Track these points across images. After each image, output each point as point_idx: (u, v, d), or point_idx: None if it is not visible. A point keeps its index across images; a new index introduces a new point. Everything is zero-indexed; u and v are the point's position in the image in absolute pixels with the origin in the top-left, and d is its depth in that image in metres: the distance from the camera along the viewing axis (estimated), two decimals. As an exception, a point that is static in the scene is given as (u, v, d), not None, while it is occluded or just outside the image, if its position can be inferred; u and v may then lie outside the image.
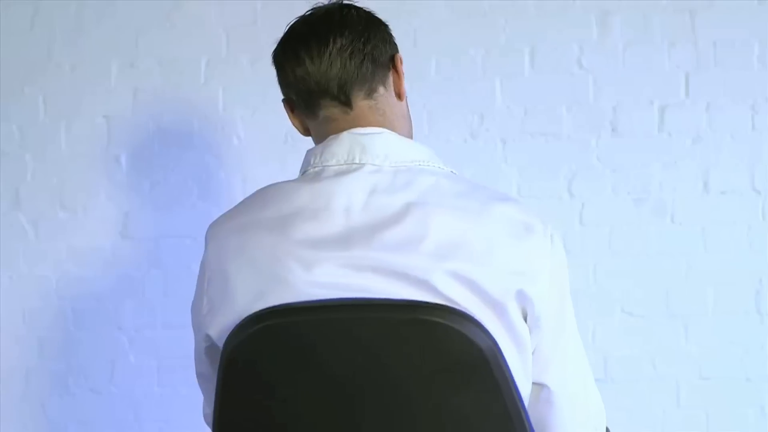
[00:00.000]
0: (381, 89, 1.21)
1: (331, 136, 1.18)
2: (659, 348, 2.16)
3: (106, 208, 2.23)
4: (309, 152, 1.19)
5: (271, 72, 1.24)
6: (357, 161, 1.14)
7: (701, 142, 2.15)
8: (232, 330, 1.07)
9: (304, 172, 1.18)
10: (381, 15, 1.26)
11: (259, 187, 1.21)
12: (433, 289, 1.05)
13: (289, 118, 1.26)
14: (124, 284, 2.22)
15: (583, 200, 2.17)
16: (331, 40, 1.17)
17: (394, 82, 1.23)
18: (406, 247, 1.06)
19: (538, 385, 1.15)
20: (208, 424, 1.28)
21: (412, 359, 1.03)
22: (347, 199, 1.10)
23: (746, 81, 2.14)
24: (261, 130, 2.19)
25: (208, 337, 1.14)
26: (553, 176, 2.16)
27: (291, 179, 1.19)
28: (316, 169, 1.16)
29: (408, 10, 2.13)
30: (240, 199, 1.21)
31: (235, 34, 2.21)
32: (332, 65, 1.17)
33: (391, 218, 1.08)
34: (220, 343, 1.10)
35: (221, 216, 1.19)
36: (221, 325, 1.10)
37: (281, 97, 1.26)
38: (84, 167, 2.23)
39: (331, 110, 1.19)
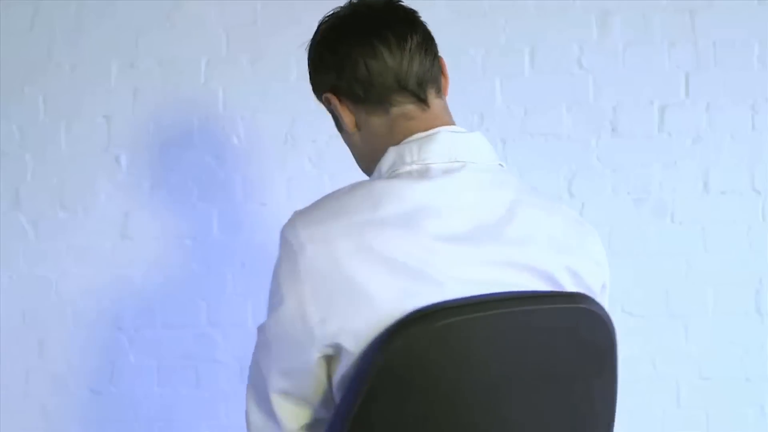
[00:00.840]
0: (441, 90, 1.22)
1: (420, 134, 1.14)
2: (659, 348, 2.16)
3: (106, 208, 2.23)
4: (400, 149, 1.14)
5: (271, 72, 1.22)
6: (460, 160, 1.12)
7: (701, 142, 2.15)
8: (388, 332, 1.01)
9: (395, 170, 1.13)
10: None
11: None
12: (557, 283, 1.08)
13: (337, 109, 1.20)
14: (124, 284, 2.22)
15: (583, 200, 2.17)
16: (409, 36, 1.16)
17: (443, 84, 1.24)
18: (527, 242, 1.08)
19: None
20: None
21: (574, 347, 1.07)
22: (464, 197, 1.09)
23: (746, 81, 2.14)
24: (261, 130, 2.18)
25: (336, 346, 1.05)
26: (553, 176, 2.16)
27: (382, 178, 1.13)
28: (416, 167, 1.11)
29: (408, 10, 2.13)
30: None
31: (235, 34, 2.20)
32: (413, 61, 1.15)
33: (505, 215, 1.09)
34: (356, 349, 1.04)
35: (313, 217, 1.08)
36: (356, 329, 1.03)
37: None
38: (84, 167, 2.23)
39: (406, 107, 1.17)
